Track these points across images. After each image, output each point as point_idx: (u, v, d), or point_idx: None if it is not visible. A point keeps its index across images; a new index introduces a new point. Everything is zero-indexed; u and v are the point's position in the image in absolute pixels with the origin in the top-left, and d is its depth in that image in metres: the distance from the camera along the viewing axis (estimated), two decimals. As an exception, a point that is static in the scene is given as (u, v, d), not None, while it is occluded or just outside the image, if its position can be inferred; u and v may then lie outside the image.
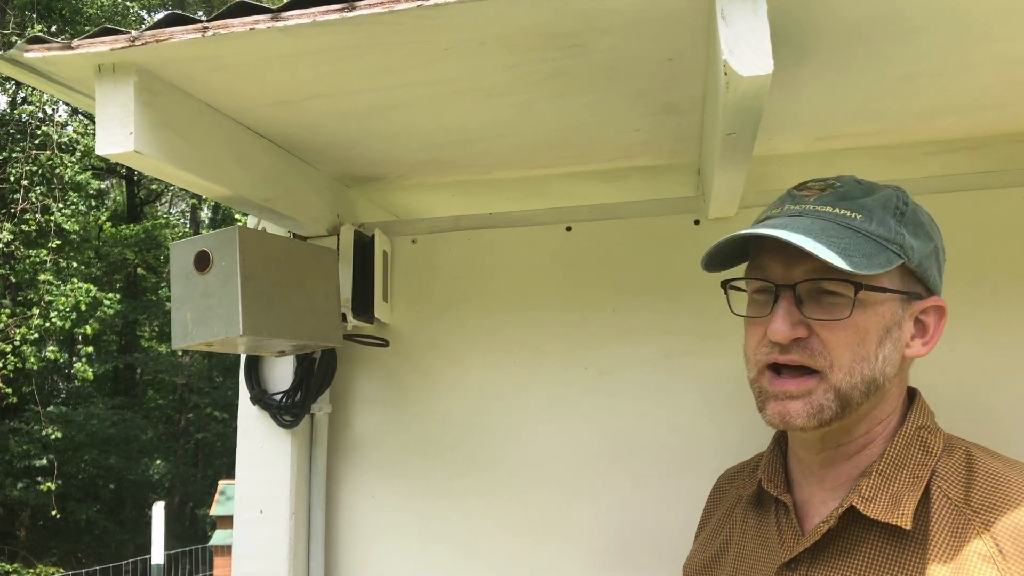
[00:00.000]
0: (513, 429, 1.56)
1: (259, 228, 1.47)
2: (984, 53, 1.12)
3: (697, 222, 1.54)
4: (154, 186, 20.16)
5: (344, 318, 1.49)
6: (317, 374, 1.51)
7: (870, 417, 1.01)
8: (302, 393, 1.49)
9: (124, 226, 17.24)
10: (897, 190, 1.01)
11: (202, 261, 1.24)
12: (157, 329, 18.92)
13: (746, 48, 0.87)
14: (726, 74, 0.89)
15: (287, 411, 1.49)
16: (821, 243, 0.91)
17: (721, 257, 1.05)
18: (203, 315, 1.23)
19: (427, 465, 1.58)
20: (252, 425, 1.54)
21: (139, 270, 18.57)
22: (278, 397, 1.51)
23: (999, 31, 1.06)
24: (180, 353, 18.51)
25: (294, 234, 1.51)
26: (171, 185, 20.23)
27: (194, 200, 19.83)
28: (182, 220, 20.66)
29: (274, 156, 1.38)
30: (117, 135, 1.03)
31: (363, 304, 1.54)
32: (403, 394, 1.61)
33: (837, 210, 0.97)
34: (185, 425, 17.77)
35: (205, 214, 20.89)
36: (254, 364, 1.53)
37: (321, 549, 1.55)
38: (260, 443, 1.52)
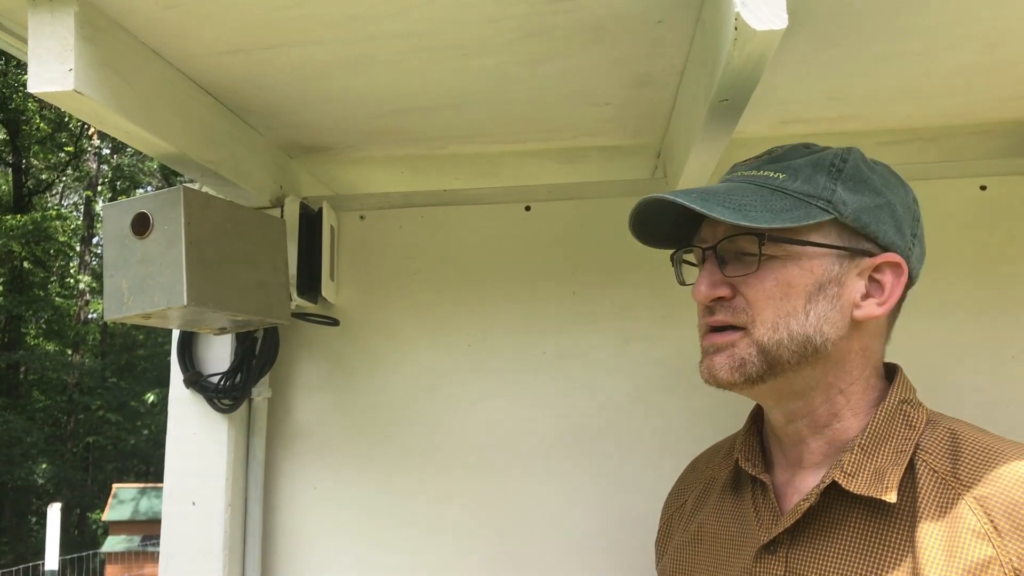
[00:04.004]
0: (466, 416, 1.48)
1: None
2: (964, 33, 1.12)
3: (659, 204, 1.50)
4: (44, 176, 19.14)
5: (289, 295, 1.38)
6: (259, 355, 1.40)
7: (825, 385, 0.97)
8: (242, 375, 1.38)
9: (10, 216, 16.26)
10: (846, 151, 0.98)
11: (141, 224, 1.12)
12: (44, 326, 17.96)
13: (760, 1, 0.83)
14: (736, 28, 0.84)
15: (225, 394, 1.38)
16: (714, 202, 0.91)
17: (665, 235, 1.05)
18: (141, 284, 1.11)
19: (373, 455, 1.49)
20: (185, 410, 1.41)
21: (26, 264, 17.58)
22: (215, 379, 1.39)
23: (977, 11, 1.06)
24: (70, 352, 17.62)
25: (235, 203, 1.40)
26: (63, 176, 19.30)
27: (88, 192, 18.91)
28: (75, 212, 19.65)
29: (219, 116, 1.27)
30: (54, 71, 0.91)
31: (308, 282, 1.44)
32: (348, 379, 1.51)
33: (763, 172, 0.97)
34: (74, 427, 16.89)
35: (100, 207, 19.93)
36: (188, 343, 1.41)
37: (258, 544, 1.44)
38: (194, 429, 1.40)
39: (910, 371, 1.04)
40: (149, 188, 20.13)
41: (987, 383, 1.38)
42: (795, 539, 0.95)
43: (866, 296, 0.95)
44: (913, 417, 0.97)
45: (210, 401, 1.39)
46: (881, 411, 0.97)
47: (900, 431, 0.95)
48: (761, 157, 1.01)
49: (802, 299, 0.93)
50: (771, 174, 0.96)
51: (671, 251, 1.07)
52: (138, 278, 1.11)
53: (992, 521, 0.86)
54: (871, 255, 0.95)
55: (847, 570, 0.91)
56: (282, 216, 1.42)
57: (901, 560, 0.88)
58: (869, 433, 0.95)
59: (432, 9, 0.99)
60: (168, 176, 17.31)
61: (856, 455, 0.94)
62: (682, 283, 1.07)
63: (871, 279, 0.96)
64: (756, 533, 0.99)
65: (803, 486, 0.99)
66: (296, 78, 1.19)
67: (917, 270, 1.00)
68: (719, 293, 0.96)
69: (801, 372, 0.95)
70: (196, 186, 1.35)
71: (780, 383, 0.96)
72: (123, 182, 19.74)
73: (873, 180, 0.97)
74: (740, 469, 1.08)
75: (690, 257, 1.05)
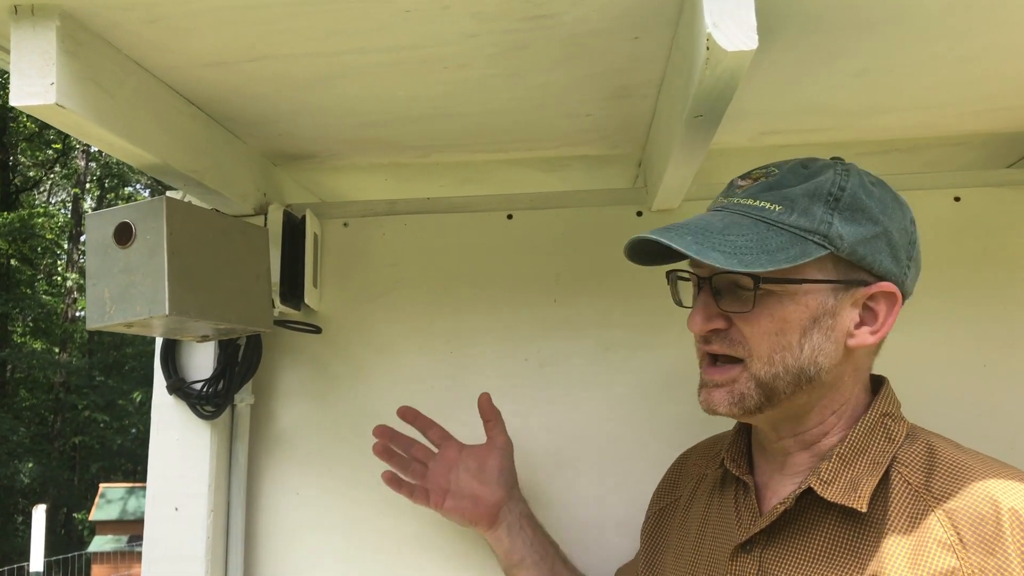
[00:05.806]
0: (448, 423, 1.49)
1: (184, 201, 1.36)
2: (935, 50, 1.14)
3: (640, 213, 1.52)
4: (31, 173, 19.04)
5: (271, 303, 1.39)
6: (242, 362, 1.41)
7: (820, 407, 1.00)
8: (225, 382, 1.39)
9: (-3, 214, 16.16)
10: (840, 173, 0.97)
11: (123, 234, 1.13)
12: (31, 324, 17.85)
13: (731, 22, 0.85)
14: (708, 48, 0.86)
15: (208, 401, 1.38)
16: (709, 245, 0.91)
17: (657, 250, 1.03)
18: (123, 293, 1.12)
19: (355, 460, 1.50)
20: (168, 416, 1.42)
21: (12, 261, 17.48)
22: (198, 386, 1.40)
23: (951, 28, 1.08)
24: (57, 350, 17.52)
25: (217, 212, 1.41)
26: (50, 173, 19.18)
27: (76, 189, 18.82)
28: (62, 210, 19.54)
29: (202, 125, 1.28)
30: (36, 86, 0.92)
31: (291, 289, 1.45)
32: (331, 385, 1.53)
33: (758, 202, 0.96)
34: (61, 426, 16.80)
35: (89, 205, 19.84)
36: (171, 350, 1.42)
37: (240, 549, 1.45)
38: (177, 435, 1.41)
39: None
40: (138, 186, 20.04)
41: (959, 392, 1.40)
42: (770, 540, 0.99)
43: (859, 325, 0.97)
44: (893, 431, 0.99)
45: (193, 408, 1.39)
46: (862, 423, 0.99)
47: (879, 443, 0.98)
48: (758, 180, 0.99)
49: (797, 333, 0.94)
50: (768, 205, 0.95)
51: (664, 267, 1.07)
52: (120, 287, 1.12)
53: (959, 533, 0.88)
54: (865, 284, 0.96)
55: (815, 572, 0.94)
56: (265, 223, 1.43)
57: (866, 566, 0.91)
58: (848, 444, 0.98)
59: (411, 25, 1.00)
60: (157, 174, 17.21)
61: (834, 464, 0.97)
62: (678, 303, 1.07)
63: (865, 307, 0.97)
64: (735, 532, 1.03)
65: (782, 490, 1.02)
66: (279, 89, 1.20)
67: (911, 287, 1.02)
68: (715, 325, 0.98)
69: (796, 399, 0.98)
70: (179, 195, 1.36)
71: (776, 411, 0.99)
72: (111, 180, 19.64)
73: (871, 208, 0.96)
74: (726, 469, 1.11)
75: (684, 275, 1.06)
